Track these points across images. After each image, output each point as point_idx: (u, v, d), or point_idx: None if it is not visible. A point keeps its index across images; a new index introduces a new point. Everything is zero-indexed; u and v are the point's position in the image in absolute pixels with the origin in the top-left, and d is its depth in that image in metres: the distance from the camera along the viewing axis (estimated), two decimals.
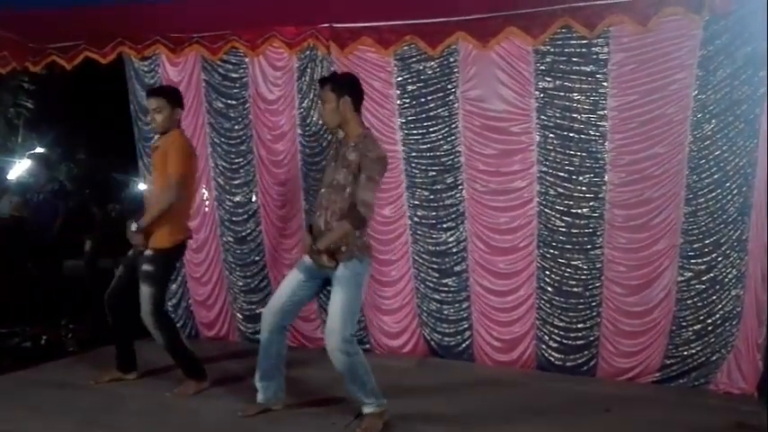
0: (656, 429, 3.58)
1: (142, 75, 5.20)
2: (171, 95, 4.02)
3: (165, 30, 4.83)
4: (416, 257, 4.82)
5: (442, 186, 4.67)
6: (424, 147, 4.66)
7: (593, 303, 4.40)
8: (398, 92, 4.65)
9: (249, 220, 5.16)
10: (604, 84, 4.20)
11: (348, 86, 3.42)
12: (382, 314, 4.95)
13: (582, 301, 4.43)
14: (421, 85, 4.60)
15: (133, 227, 3.89)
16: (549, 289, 4.50)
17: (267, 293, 5.10)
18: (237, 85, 5.02)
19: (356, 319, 3.49)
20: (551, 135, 4.37)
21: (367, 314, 4.93)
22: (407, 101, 4.64)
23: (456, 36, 4.33)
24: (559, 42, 4.24)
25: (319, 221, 3.38)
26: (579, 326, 4.46)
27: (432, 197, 4.71)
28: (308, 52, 4.77)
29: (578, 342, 4.48)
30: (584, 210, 4.36)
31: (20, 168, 13.98)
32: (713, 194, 4.07)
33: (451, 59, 4.51)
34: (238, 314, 5.31)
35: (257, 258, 5.18)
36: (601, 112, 4.23)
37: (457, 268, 4.73)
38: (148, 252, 3.89)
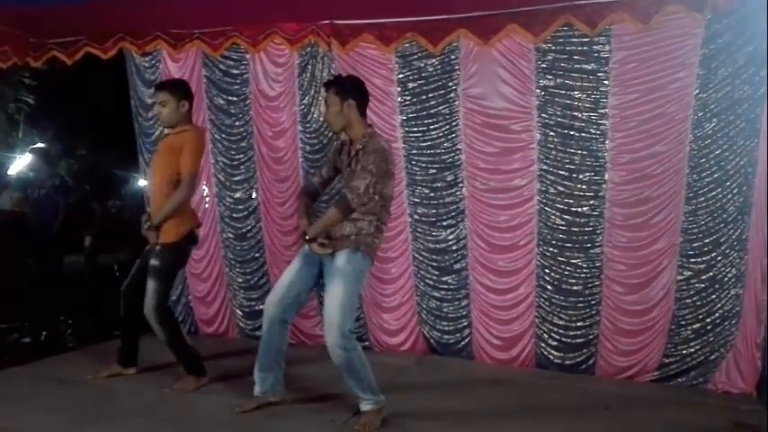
0: (655, 428, 3.58)
1: (143, 70, 5.20)
2: (175, 88, 4.01)
3: (165, 25, 4.82)
4: (416, 255, 4.82)
5: (442, 184, 4.67)
6: (425, 144, 4.65)
7: (593, 302, 4.40)
8: (399, 89, 4.64)
9: (249, 217, 5.16)
10: (605, 82, 4.20)
11: (352, 90, 3.43)
12: (382, 311, 4.95)
13: (581, 299, 4.43)
14: (422, 82, 4.59)
15: (145, 225, 3.92)
16: (549, 287, 4.50)
17: (267, 290, 5.08)
18: (238, 81, 5.01)
19: (354, 315, 3.51)
20: (552, 133, 4.36)
21: (366, 311, 4.93)
22: (408, 98, 4.63)
23: (457, 33, 4.32)
24: (561, 40, 4.24)
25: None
26: (578, 324, 4.46)
27: (432, 195, 4.71)
28: (308, 49, 4.77)
29: (577, 340, 4.48)
30: (585, 208, 4.35)
31: (21, 163, 13.97)
32: (713, 193, 4.07)
33: (452, 57, 4.50)
34: (238, 311, 5.31)
35: (257, 255, 5.18)
36: (602, 111, 4.23)
37: (457, 266, 4.73)
38: (157, 247, 3.91)
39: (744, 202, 4.01)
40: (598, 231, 4.34)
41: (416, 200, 4.74)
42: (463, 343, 4.80)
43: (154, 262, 3.87)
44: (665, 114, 4.10)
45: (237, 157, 5.12)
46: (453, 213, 4.68)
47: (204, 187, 5.18)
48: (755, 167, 3.94)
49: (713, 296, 4.15)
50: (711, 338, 4.18)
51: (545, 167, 4.41)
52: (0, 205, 8.35)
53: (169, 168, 3.90)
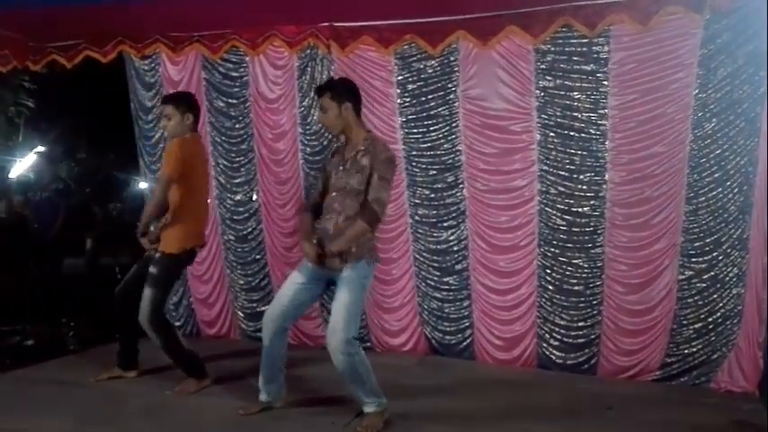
0: (657, 428, 3.58)
1: (143, 74, 5.21)
2: (180, 101, 4.02)
3: (165, 29, 4.82)
4: (417, 256, 4.82)
5: (442, 185, 4.67)
6: (425, 146, 4.66)
7: (594, 302, 4.41)
8: (399, 91, 4.65)
9: (250, 219, 5.17)
10: (605, 83, 4.20)
11: (348, 93, 3.43)
12: (383, 312, 4.95)
13: (583, 299, 4.43)
14: (421, 83, 4.60)
15: (137, 231, 3.97)
16: (550, 287, 4.50)
17: (268, 292, 5.11)
18: (238, 83, 5.02)
19: (359, 321, 3.51)
20: (552, 134, 4.37)
21: (368, 312, 4.93)
22: (408, 100, 4.64)
23: (456, 35, 4.33)
24: (560, 41, 4.24)
25: (328, 225, 3.36)
26: (580, 324, 4.46)
27: (432, 196, 4.71)
28: (308, 51, 4.77)
29: (579, 340, 4.48)
30: (585, 208, 4.36)
31: (21, 167, 14.00)
32: (714, 193, 4.07)
33: (452, 58, 4.51)
34: (239, 312, 5.32)
35: (258, 257, 5.18)
36: (601, 111, 4.23)
37: (458, 267, 4.73)
38: (156, 255, 3.91)
39: (744, 202, 4.02)
40: (599, 231, 4.34)
41: (417, 201, 4.74)
42: (465, 343, 4.80)
43: (153, 270, 3.87)
44: (665, 114, 4.10)
45: (238, 159, 5.12)
46: (454, 214, 4.69)
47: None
48: (756, 167, 3.95)
49: (715, 295, 4.15)
50: (713, 338, 4.18)
51: (545, 168, 4.41)
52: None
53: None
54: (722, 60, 3.94)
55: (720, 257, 4.11)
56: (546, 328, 4.55)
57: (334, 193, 3.39)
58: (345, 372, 3.32)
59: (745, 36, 3.86)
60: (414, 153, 4.69)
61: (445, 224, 4.72)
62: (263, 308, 4.82)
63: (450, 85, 4.55)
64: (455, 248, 4.72)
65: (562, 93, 4.30)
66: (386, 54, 4.56)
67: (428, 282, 4.81)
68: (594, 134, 4.28)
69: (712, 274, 4.14)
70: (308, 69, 4.80)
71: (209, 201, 5.14)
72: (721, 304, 4.14)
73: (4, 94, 12.16)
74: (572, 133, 4.32)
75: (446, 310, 4.81)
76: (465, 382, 4.27)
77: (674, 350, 4.28)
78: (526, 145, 4.44)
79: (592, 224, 4.35)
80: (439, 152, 4.64)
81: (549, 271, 4.49)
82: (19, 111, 12.82)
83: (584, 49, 4.21)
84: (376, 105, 4.69)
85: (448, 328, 4.83)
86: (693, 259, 4.18)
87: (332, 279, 3.43)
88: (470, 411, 3.74)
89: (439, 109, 4.58)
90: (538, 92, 4.35)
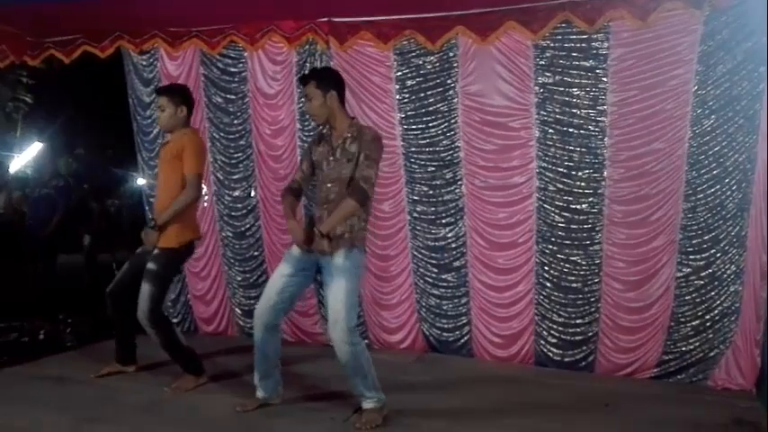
0: (654, 425, 3.58)
1: (141, 69, 5.20)
2: (174, 94, 4.01)
3: (163, 24, 4.82)
4: (415, 253, 4.81)
5: (441, 182, 4.66)
6: (424, 142, 4.65)
7: (592, 299, 4.40)
8: (398, 87, 4.64)
9: (248, 215, 5.16)
10: (604, 79, 4.19)
11: (332, 81, 3.46)
12: (381, 309, 4.95)
13: (581, 296, 4.43)
14: (420, 79, 4.59)
15: (149, 224, 3.91)
16: (548, 284, 4.50)
17: None
18: (236, 79, 5.01)
19: (357, 310, 3.51)
20: (551, 130, 4.36)
21: (366, 309, 4.93)
22: (407, 96, 4.63)
23: (455, 31, 4.32)
24: (559, 37, 4.23)
25: (323, 213, 3.38)
26: (578, 321, 4.46)
27: (431, 192, 4.70)
28: (307, 47, 4.76)
29: (577, 338, 4.48)
30: (584, 205, 4.35)
31: (20, 162, 13.95)
32: (712, 190, 4.07)
33: (451, 54, 4.50)
34: (237, 309, 5.32)
35: (256, 253, 5.18)
36: (600, 108, 4.22)
37: (456, 264, 4.73)
38: (156, 250, 3.89)
39: (743, 199, 4.01)
40: (597, 228, 4.34)
41: (415, 197, 4.74)
42: (463, 340, 4.80)
43: (151, 266, 3.85)
44: (664, 111, 4.09)
45: (236, 155, 5.11)
46: (452, 211, 4.68)
47: (203, 186, 5.16)
48: (754, 164, 3.94)
49: (712, 293, 4.15)
50: (711, 335, 4.18)
51: (544, 165, 4.40)
52: None
53: (175, 175, 3.90)
54: (721, 57, 3.93)
55: (718, 255, 4.11)
56: (544, 326, 4.55)
57: (329, 184, 3.39)
58: (349, 363, 3.32)
59: (744, 33, 3.86)
60: (412, 149, 4.68)
61: (443, 221, 4.71)
62: None
63: (449, 81, 4.54)
64: (453, 245, 4.71)
65: (561, 89, 4.29)
66: (385, 50, 4.55)
67: (426, 279, 4.81)
68: (593, 131, 4.27)
69: (710, 271, 4.14)
70: (307, 65, 4.78)
71: (205, 195, 5.18)
72: (719, 302, 4.14)
73: (2, 89, 12.12)
74: (571, 130, 4.31)
75: (444, 307, 4.81)
76: (463, 379, 4.27)
77: (671, 347, 4.28)
78: (525, 141, 4.43)
79: (590, 221, 4.35)
80: (438, 148, 4.63)
81: (547, 268, 4.49)
82: (17, 106, 12.79)
83: (584, 45, 4.20)
84: (375, 101, 4.68)
85: (446, 325, 4.83)
86: (691, 256, 4.17)
87: (319, 267, 3.43)
88: (468, 408, 3.74)
89: (438, 105, 4.58)
90: (537, 88, 4.35)
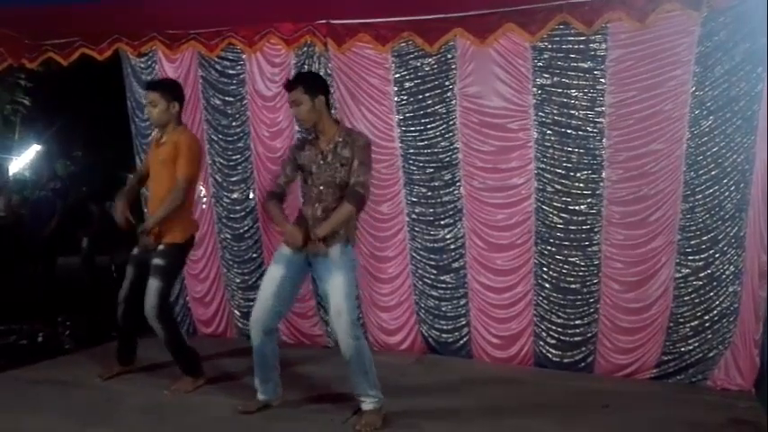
0: (654, 426, 3.58)
1: (139, 71, 5.19)
2: (166, 89, 3.99)
3: (161, 26, 4.81)
4: (414, 254, 4.81)
5: (439, 183, 4.66)
6: (422, 144, 4.65)
7: (591, 300, 4.40)
8: (396, 88, 4.64)
9: (247, 217, 5.15)
10: (602, 80, 4.20)
11: (320, 86, 3.51)
12: (380, 311, 4.95)
13: (579, 297, 4.43)
14: (418, 81, 4.59)
15: (139, 229, 3.91)
16: (547, 285, 4.50)
17: None
18: (235, 81, 5.01)
19: (357, 303, 3.59)
20: (549, 132, 4.36)
21: (365, 311, 4.93)
22: (405, 98, 4.63)
23: (454, 32, 4.33)
24: (557, 39, 4.24)
25: (317, 212, 3.41)
26: (577, 322, 4.46)
27: (429, 194, 4.70)
28: (305, 49, 4.76)
29: (576, 338, 4.48)
30: (582, 206, 4.35)
31: (18, 165, 13.95)
32: (711, 191, 4.07)
33: (449, 56, 4.50)
34: (236, 311, 5.31)
35: (255, 255, 5.17)
36: (598, 109, 4.23)
37: (455, 265, 4.73)
38: (160, 246, 3.89)
39: (741, 199, 4.01)
40: (596, 229, 4.34)
41: (414, 199, 4.74)
42: (462, 342, 4.80)
43: (159, 261, 3.86)
44: (662, 112, 4.10)
45: (234, 157, 5.11)
46: (451, 212, 4.68)
47: (201, 188, 5.16)
48: (753, 165, 3.94)
49: (711, 293, 4.15)
50: (710, 336, 4.18)
51: (542, 166, 4.41)
52: None
53: (170, 176, 3.89)
54: (719, 58, 3.94)
55: (717, 255, 4.11)
56: (543, 327, 4.55)
57: (321, 187, 3.42)
58: (353, 358, 3.34)
59: (742, 33, 3.86)
60: (411, 151, 4.68)
61: (442, 222, 4.71)
62: None
63: (447, 83, 4.54)
64: (452, 246, 4.71)
65: (559, 90, 4.30)
66: (383, 52, 4.55)
67: (425, 280, 4.81)
68: (591, 132, 4.27)
69: (709, 271, 4.14)
70: (306, 67, 4.78)
71: (204, 197, 5.19)
72: (718, 302, 4.14)
73: (0, 92, 12.10)
74: (569, 131, 4.32)
75: (443, 309, 4.81)
76: (462, 381, 4.27)
77: (670, 348, 4.28)
78: (523, 143, 4.44)
79: (589, 222, 4.35)
80: (436, 150, 4.63)
81: (545, 269, 4.49)
82: (15, 109, 12.76)
83: (582, 46, 4.21)
84: (373, 103, 4.68)
85: (445, 327, 4.83)
86: (690, 257, 4.18)
87: (310, 263, 3.47)
88: (467, 409, 3.74)
89: (436, 107, 4.58)
90: (535, 89, 4.35)
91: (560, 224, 4.41)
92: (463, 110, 4.51)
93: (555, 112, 4.33)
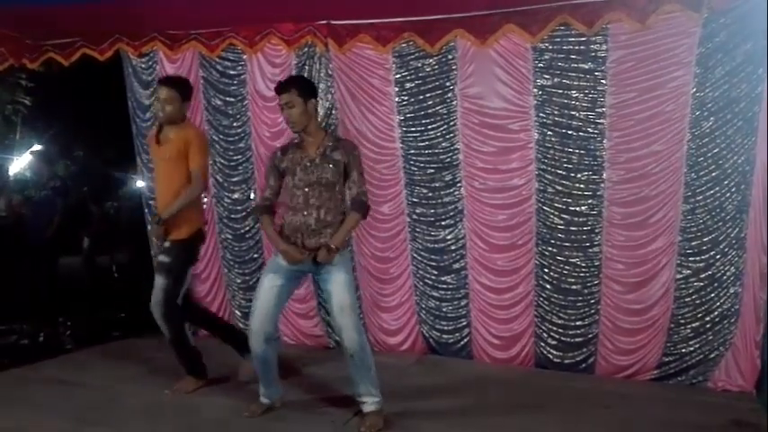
0: (655, 427, 3.58)
1: (140, 72, 5.19)
2: (184, 88, 3.99)
3: (162, 26, 4.82)
4: (415, 255, 4.81)
5: (440, 184, 4.66)
6: (423, 144, 4.65)
7: (592, 301, 4.40)
8: (397, 89, 4.64)
9: (248, 218, 5.15)
10: (603, 81, 4.20)
11: (312, 89, 3.56)
12: (381, 311, 4.95)
13: (580, 298, 4.43)
14: (419, 82, 4.59)
15: (154, 219, 3.89)
16: (548, 286, 4.50)
17: None
18: (235, 82, 5.01)
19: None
20: (550, 132, 4.36)
21: (366, 311, 4.93)
22: (406, 98, 4.63)
23: (454, 33, 4.33)
24: (558, 40, 4.24)
25: (309, 220, 3.39)
26: (578, 323, 4.46)
27: (430, 194, 4.70)
28: (306, 49, 4.76)
29: (577, 339, 4.48)
30: (583, 207, 4.35)
31: (19, 165, 13.96)
32: (711, 192, 4.07)
33: (450, 57, 4.50)
34: (237, 311, 5.31)
35: (256, 256, 5.17)
36: (599, 110, 4.23)
37: (456, 265, 4.73)
38: (166, 244, 3.89)
39: (742, 201, 4.01)
40: (596, 230, 4.34)
41: (415, 200, 4.74)
42: (462, 342, 4.80)
43: (164, 258, 3.86)
44: (663, 113, 4.10)
45: (235, 158, 5.11)
46: (452, 213, 4.68)
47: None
48: (753, 166, 3.94)
49: (712, 294, 4.15)
50: (710, 337, 4.18)
51: (543, 167, 4.41)
52: None
53: (179, 171, 3.88)
54: (720, 59, 3.94)
55: (718, 256, 4.11)
56: (543, 327, 4.55)
57: (306, 189, 3.42)
58: (357, 354, 3.35)
59: (742, 35, 3.86)
60: (412, 152, 4.68)
61: (443, 223, 4.71)
62: None
63: (448, 84, 4.54)
64: (453, 247, 4.71)
65: (560, 91, 4.30)
66: (384, 52, 4.55)
67: (426, 281, 4.81)
68: (592, 133, 4.27)
69: (710, 273, 4.14)
70: (306, 67, 4.79)
71: (204, 197, 5.18)
72: (718, 303, 4.14)
73: (1, 92, 12.11)
74: (570, 132, 4.31)
75: (444, 309, 4.81)
76: (462, 381, 4.27)
77: (671, 349, 4.28)
78: (524, 144, 4.44)
79: (589, 223, 4.35)
80: (437, 151, 4.63)
81: (546, 270, 4.49)
82: (16, 109, 12.77)
83: (582, 47, 4.20)
84: (374, 104, 4.68)
85: (445, 327, 4.83)
86: (691, 258, 4.17)
87: (303, 273, 3.53)
88: (468, 410, 3.74)
89: (437, 107, 4.58)
90: (536, 90, 4.35)
91: (561, 225, 4.41)
92: (464, 110, 4.51)
93: (556, 112, 4.33)
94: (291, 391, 3.79)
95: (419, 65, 4.57)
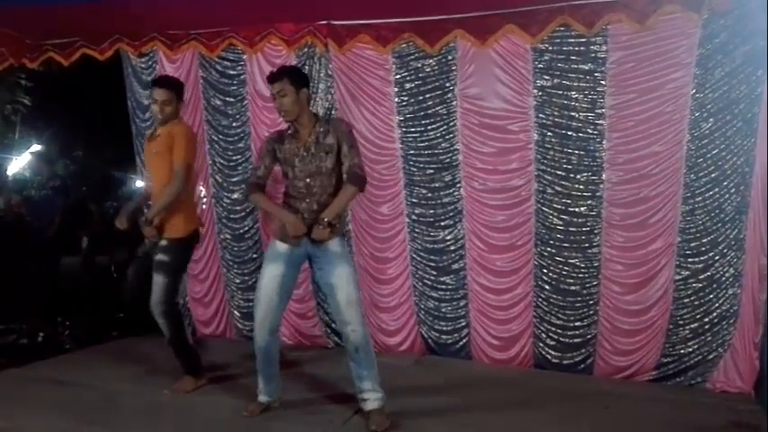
0: (653, 428, 3.59)
1: (140, 71, 5.20)
2: (179, 89, 4.03)
3: (162, 26, 4.82)
4: (414, 255, 4.81)
5: (440, 184, 4.66)
6: (423, 145, 4.65)
7: (591, 301, 4.40)
8: (397, 89, 4.64)
9: (247, 218, 5.15)
10: (602, 82, 4.20)
11: (304, 79, 3.56)
12: (380, 312, 4.94)
13: (579, 299, 4.43)
14: (419, 82, 4.59)
15: (141, 219, 3.86)
16: (547, 287, 4.50)
17: None
18: (235, 82, 5.01)
19: None
20: (549, 133, 4.36)
21: (364, 312, 4.91)
22: (406, 99, 4.63)
23: (454, 34, 4.33)
24: (558, 40, 4.24)
25: (312, 206, 3.41)
26: (576, 324, 4.46)
27: (430, 195, 4.70)
28: (306, 49, 4.76)
29: (575, 340, 4.48)
30: (582, 208, 4.35)
31: (19, 164, 13.96)
32: (711, 193, 4.07)
33: (450, 57, 4.50)
34: (236, 311, 5.31)
35: (255, 256, 5.17)
36: (599, 111, 4.23)
37: (455, 266, 4.73)
38: (163, 242, 3.88)
39: (741, 202, 4.02)
40: (596, 231, 4.34)
41: (414, 200, 4.74)
42: (461, 343, 4.80)
43: (163, 257, 3.85)
44: (663, 114, 4.10)
45: (235, 158, 5.11)
46: (451, 213, 4.68)
47: (201, 188, 5.17)
48: (753, 167, 3.95)
49: (711, 296, 4.15)
50: (709, 338, 4.18)
51: (542, 167, 4.41)
52: None
53: (167, 167, 3.87)
54: (720, 60, 3.94)
55: (717, 257, 4.11)
56: (542, 328, 4.55)
57: (307, 179, 3.43)
58: (362, 348, 3.37)
59: (742, 36, 3.86)
60: (411, 152, 4.68)
61: (442, 223, 4.71)
62: None
63: (447, 84, 4.54)
64: (452, 248, 4.71)
65: (560, 92, 4.30)
66: (384, 53, 4.55)
67: (425, 281, 4.81)
68: (592, 134, 4.27)
69: (708, 274, 4.14)
70: (306, 68, 4.78)
71: (204, 197, 5.19)
72: (717, 304, 4.14)
73: (1, 92, 12.13)
74: (569, 133, 4.32)
75: (443, 310, 4.81)
76: (461, 382, 4.27)
77: (670, 350, 4.28)
78: (523, 144, 4.44)
79: (588, 224, 4.35)
80: (436, 151, 4.63)
81: (545, 270, 4.49)
82: (15, 109, 12.79)
83: (582, 48, 4.21)
84: (373, 104, 4.68)
85: (444, 328, 4.83)
86: (690, 259, 4.18)
87: (310, 258, 3.49)
88: (466, 411, 3.74)
89: (437, 108, 4.58)
90: (535, 91, 4.35)
91: (560, 226, 4.41)
92: (464, 111, 4.51)
93: (555, 113, 4.33)
94: (290, 391, 3.79)
95: (419, 65, 4.57)
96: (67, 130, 15.19)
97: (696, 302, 4.18)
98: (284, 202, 3.53)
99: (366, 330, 3.43)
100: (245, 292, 5.22)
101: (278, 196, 3.86)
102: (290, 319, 5.05)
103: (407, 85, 4.62)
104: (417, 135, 4.65)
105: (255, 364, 3.59)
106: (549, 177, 4.39)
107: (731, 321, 4.12)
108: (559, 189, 4.38)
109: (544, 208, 4.44)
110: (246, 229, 5.16)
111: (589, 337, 4.45)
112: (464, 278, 4.71)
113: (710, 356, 4.19)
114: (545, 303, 4.51)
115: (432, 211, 4.72)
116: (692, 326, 4.21)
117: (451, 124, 4.56)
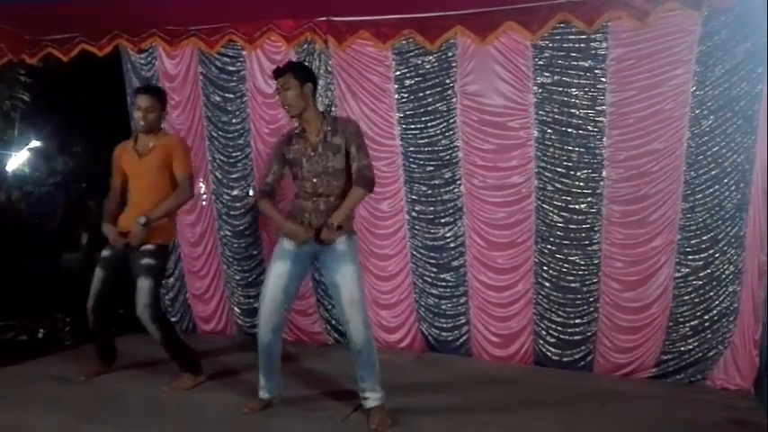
0: (653, 425, 3.59)
1: (139, 67, 5.18)
2: (163, 95, 4.07)
3: (161, 22, 4.81)
4: (414, 252, 4.81)
5: (440, 181, 4.66)
6: (422, 141, 4.65)
7: (591, 299, 4.41)
8: (396, 86, 4.63)
9: (247, 214, 5.15)
10: (603, 79, 4.19)
11: (309, 74, 3.53)
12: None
13: (579, 296, 4.43)
14: (419, 79, 4.58)
15: (141, 220, 3.81)
16: (547, 284, 4.50)
17: None
18: (235, 78, 5.00)
19: None
20: (549, 130, 4.36)
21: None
22: (405, 95, 4.62)
23: (454, 30, 4.32)
24: (558, 37, 4.23)
25: (319, 206, 3.41)
26: (576, 321, 4.46)
27: (430, 192, 4.70)
28: (305, 46, 4.75)
29: (575, 337, 4.49)
30: (582, 205, 4.35)
31: (18, 161, 13.92)
32: (711, 190, 4.07)
33: (450, 54, 4.49)
34: (236, 308, 5.31)
35: (255, 252, 5.17)
36: (599, 108, 4.22)
37: (455, 263, 4.73)
38: (149, 246, 3.87)
39: (741, 199, 4.01)
40: (596, 228, 4.34)
41: (414, 197, 4.74)
42: (461, 340, 4.80)
43: (150, 261, 3.85)
44: (663, 111, 4.09)
45: (234, 154, 5.10)
46: (451, 210, 4.68)
47: (201, 184, 5.16)
48: (753, 164, 3.94)
49: (711, 293, 4.15)
50: (709, 335, 4.18)
51: (542, 164, 4.40)
52: None
53: (165, 179, 3.92)
54: (720, 57, 3.93)
55: (717, 255, 4.11)
56: (542, 325, 4.56)
57: (314, 180, 3.41)
58: (364, 348, 3.36)
59: (742, 33, 3.86)
60: (411, 149, 4.68)
61: (442, 220, 4.71)
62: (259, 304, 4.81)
63: (447, 81, 4.53)
64: (452, 245, 4.71)
65: (560, 89, 4.29)
66: (384, 49, 4.54)
67: (425, 278, 4.81)
68: (592, 131, 4.27)
69: (709, 271, 4.14)
70: (306, 64, 4.77)
71: (204, 194, 5.19)
72: (717, 302, 4.14)
73: (0, 88, 12.09)
74: (569, 130, 4.31)
75: (443, 307, 4.81)
76: (461, 379, 4.27)
77: (670, 347, 4.28)
78: (523, 141, 4.43)
79: (589, 221, 4.35)
80: (436, 148, 4.63)
81: (545, 268, 4.49)
82: (14, 105, 12.75)
83: (582, 45, 4.20)
84: (373, 101, 4.67)
85: (444, 325, 4.83)
86: (690, 257, 4.18)
87: (316, 257, 3.48)
88: (466, 408, 3.74)
89: (437, 105, 4.57)
90: (535, 88, 4.34)
91: (560, 223, 4.41)
92: (464, 108, 4.51)
93: (555, 110, 4.32)
94: (290, 388, 3.79)
95: (419, 62, 4.56)
96: (66, 127, 15.15)
97: (696, 300, 4.19)
98: (294, 202, 3.54)
99: (369, 331, 3.40)
100: (245, 289, 5.23)
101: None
102: (290, 315, 5.05)
103: (407, 82, 4.61)
104: (417, 132, 4.65)
105: (256, 361, 3.59)
106: (549, 174, 4.39)
107: (731, 318, 4.12)
108: (559, 186, 4.38)
109: (544, 205, 4.44)
110: (246, 225, 5.16)
111: (589, 334, 4.45)
112: (464, 275, 4.71)
113: (710, 354, 4.20)
114: (545, 300, 4.52)
115: (432, 208, 4.72)
116: (692, 323, 4.21)
117: (451, 121, 4.56)
